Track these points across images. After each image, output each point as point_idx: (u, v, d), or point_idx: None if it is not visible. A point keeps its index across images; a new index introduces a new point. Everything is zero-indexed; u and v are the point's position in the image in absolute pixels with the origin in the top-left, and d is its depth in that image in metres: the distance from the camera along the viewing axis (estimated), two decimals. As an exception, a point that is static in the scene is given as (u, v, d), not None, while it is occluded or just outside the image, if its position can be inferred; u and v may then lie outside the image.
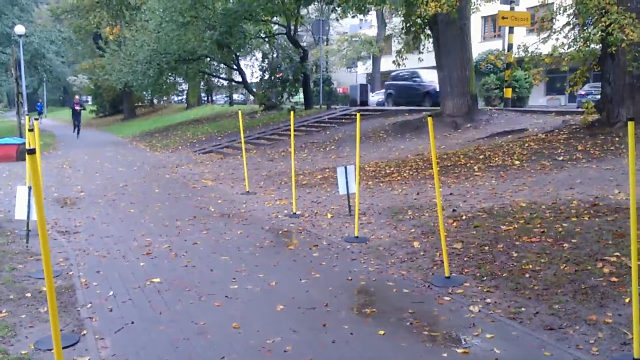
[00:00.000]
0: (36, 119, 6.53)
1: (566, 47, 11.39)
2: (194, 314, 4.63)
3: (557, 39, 11.56)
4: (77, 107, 26.51)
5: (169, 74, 27.45)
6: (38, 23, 40.90)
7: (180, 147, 20.41)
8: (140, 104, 46.71)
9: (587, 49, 11.10)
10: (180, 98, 49.53)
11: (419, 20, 15.51)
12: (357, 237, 6.90)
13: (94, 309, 4.78)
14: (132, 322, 4.48)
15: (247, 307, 4.78)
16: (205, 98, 48.07)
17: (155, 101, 48.85)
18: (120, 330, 4.35)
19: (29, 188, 6.39)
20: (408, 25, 16.96)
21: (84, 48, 44.56)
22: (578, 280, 4.86)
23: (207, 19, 21.87)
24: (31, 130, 4.84)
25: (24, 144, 16.86)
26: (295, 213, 8.41)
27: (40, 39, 37.68)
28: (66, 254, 6.56)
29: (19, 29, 26.36)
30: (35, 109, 45.92)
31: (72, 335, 4.26)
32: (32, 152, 2.78)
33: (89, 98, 58.86)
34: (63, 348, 3.82)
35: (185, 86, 41.14)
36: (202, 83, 38.34)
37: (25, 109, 25.75)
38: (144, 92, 35.19)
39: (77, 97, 28.80)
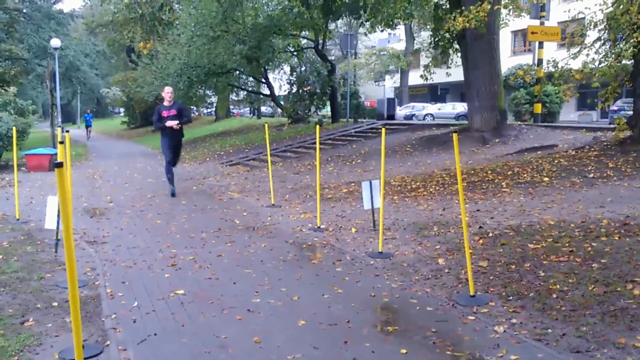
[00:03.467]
0: (67, 131, 6.68)
1: (597, 62, 11.24)
2: (216, 327, 4.65)
3: (587, 55, 11.41)
4: (174, 124, 11.24)
5: (199, 86, 27.85)
6: (73, 36, 42.00)
7: (207, 159, 20.63)
8: (170, 115, 47.46)
9: (618, 64, 10.93)
10: (209, 110, 50.13)
11: (447, 35, 15.48)
12: (381, 252, 6.86)
13: (118, 320, 4.83)
14: (155, 334, 4.51)
15: (269, 321, 4.78)
16: (250, 111, 46.88)
17: (185, 113, 49.54)
18: (143, 341, 4.38)
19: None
20: (436, 39, 16.95)
21: (117, 61, 45.57)
22: (607, 301, 4.74)
23: (237, 33, 22.20)
24: (62, 142, 4.94)
25: (56, 154, 17.25)
26: (319, 227, 8.41)
27: (75, 52, 38.64)
28: (93, 264, 6.65)
29: (55, 42, 27.08)
30: (84, 121, 40.81)
31: (96, 345, 4.31)
32: (59, 165, 2.84)
33: (121, 110, 60.05)
34: (86, 358, 3.88)
35: (214, 99, 41.69)
36: (243, 95, 38.43)
37: (60, 120, 26.28)
38: (174, 105, 35.77)
39: (168, 91, 11.64)
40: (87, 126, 38.99)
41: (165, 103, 11.49)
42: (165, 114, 11.29)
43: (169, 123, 11.21)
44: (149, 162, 20.59)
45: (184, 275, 6.18)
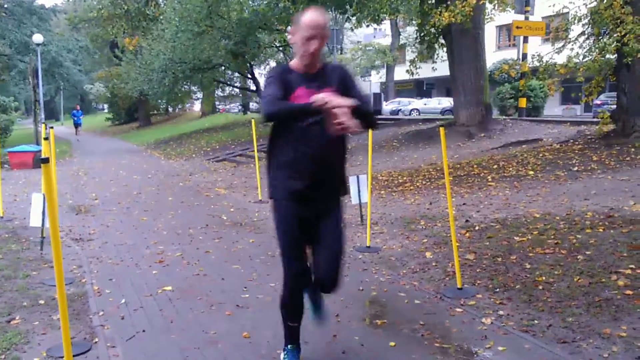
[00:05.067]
0: (52, 127, 6.61)
1: (581, 57, 11.35)
2: (205, 323, 4.64)
3: (572, 49, 11.52)
4: (352, 128, 2.79)
5: (184, 82, 27.68)
6: (56, 32, 41.46)
7: (194, 155, 20.54)
8: (155, 112, 47.16)
9: (602, 59, 11.04)
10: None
11: (433, 30, 15.53)
12: (369, 246, 6.89)
13: (106, 317, 4.80)
14: (144, 331, 4.49)
15: (258, 316, 4.78)
16: (243, 108, 45.06)
17: (170, 109, 49.29)
18: (132, 338, 4.36)
19: (44, 195, 6.46)
20: (422, 34, 16.99)
21: (101, 57, 45.15)
22: (592, 292, 4.81)
23: (222, 28, 22.07)
24: (46, 139, 4.89)
25: (40, 151, 17.07)
26: (307, 222, 8.39)
27: (57, 47, 38.15)
28: (79, 261, 6.60)
29: (37, 37, 26.72)
30: (72, 118, 35.25)
31: (84, 343, 4.28)
32: (45, 161, 2.81)
33: (105, 106, 59.55)
34: (74, 356, 3.85)
35: (199, 94, 41.51)
36: (229, 91, 37.88)
37: (43, 116, 25.96)
38: (159, 101, 35.51)
39: (314, 24, 3.12)
40: (76, 124, 34.23)
41: (296, 64, 3.35)
42: (301, 92, 3.18)
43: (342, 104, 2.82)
44: (134, 159, 20.47)
45: (172, 271, 6.16)
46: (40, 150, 17.14)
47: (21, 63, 34.78)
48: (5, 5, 34.76)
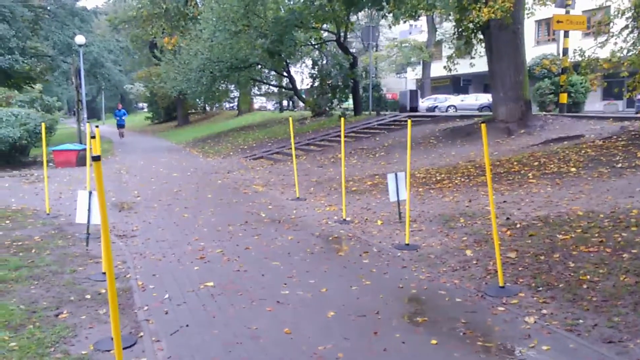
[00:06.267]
0: (97, 126, 6.78)
1: (625, 51, 11.05)
2: (247, 318, 4.70)
3: (615, 43, 11.22)
4: None
5: (222, 81, 27.97)
6: (97, 33, 42.37)
7: (231, 153, 20.75)
8: (193, 110, 47.79)
9: (647, 52, 10.73)
10: (231, 105, 50.28)
11: (471, 25, 15.30)
12: (408, 244, 6.86)
13: (150, 312, 4.91)
14: (187, 325, 4.58)
15: (298, 312, 4.82)
16: (279, 106, 43.78)
17: (207, 108, 49.86)
18: (176, 332, 4.45)
19: (90, 193, 6.63)
20: (460, 30, 16.75)
21: (141, 57, 45.89)
22: (638, 291, 4.69)
23: (258, 27, 22.24)
24: (93, 137, 5.02)
25: (84, 150, 17.50)
26: (345, 219, 8.42)
27: (99, 48, 38.94)
28: (124, 257, 6.76)
29: (80, 39, 27.34)
30: (115, 118, 32.44)
31: (130, 337, 4.39)
32: (97, 159, 2.89)
33: (145, 105, 60.64)
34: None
35: (236, 93, 41.84)
36: (265, 89, 37.90)
37: (85, 116, 26.53)
38: (197, 100, 35.91)
39: None
40: (119, 125, 31.18)
41: None
42: None
43: None
44: (174, 157, 20.79)
45: (213, 267, 6.26)
46: (84, 149, 17.58)
47: (64, 64, 35.64)
48: (49, 8, 35.69)
